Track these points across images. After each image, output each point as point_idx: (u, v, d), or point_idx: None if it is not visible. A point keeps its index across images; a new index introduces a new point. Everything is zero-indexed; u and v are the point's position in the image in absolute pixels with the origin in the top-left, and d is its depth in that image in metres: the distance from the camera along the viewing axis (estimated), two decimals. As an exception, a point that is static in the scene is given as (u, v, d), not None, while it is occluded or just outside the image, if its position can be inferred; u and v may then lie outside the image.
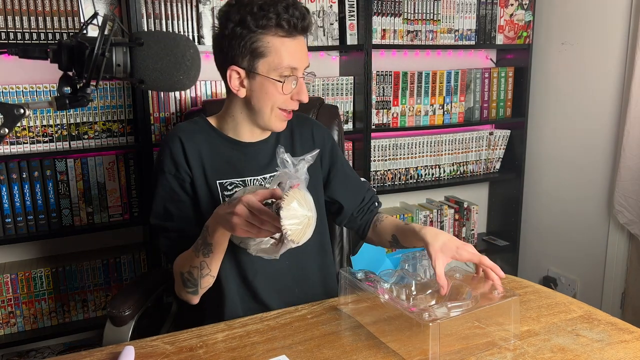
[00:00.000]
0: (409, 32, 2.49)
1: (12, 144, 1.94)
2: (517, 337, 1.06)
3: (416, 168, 2.66)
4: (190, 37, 2.07)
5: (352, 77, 2.43)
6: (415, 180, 2.67)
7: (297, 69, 1.19)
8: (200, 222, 1.15)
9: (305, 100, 1.23)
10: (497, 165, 2.87)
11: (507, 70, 2.77)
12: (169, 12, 2.06)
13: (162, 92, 2.09)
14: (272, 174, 1.29)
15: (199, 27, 2.10)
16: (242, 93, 1.22)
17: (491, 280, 1.11)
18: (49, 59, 0.82)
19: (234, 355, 1.02)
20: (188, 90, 2.15)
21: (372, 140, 2.48)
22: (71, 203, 2.04)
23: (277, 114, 1.24)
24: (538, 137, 2.81)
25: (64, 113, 1.98)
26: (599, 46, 2.47)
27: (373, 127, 2.48)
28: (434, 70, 2.61)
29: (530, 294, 1.27)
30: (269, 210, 0.98)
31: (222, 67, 1.22)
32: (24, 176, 1.96)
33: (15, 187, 1.95)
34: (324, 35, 2.32)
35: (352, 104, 2.45)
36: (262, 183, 1.29)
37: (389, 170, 2.59)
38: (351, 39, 2.36)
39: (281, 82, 1.18)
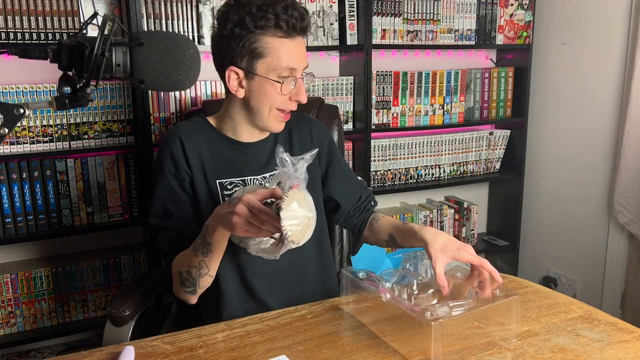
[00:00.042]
0: (409, 32, 2.49)
1: (12, 144, 1.94)
2: (517, 337, 1.06)
3: (416, 168, 2.66)
4: (190, 37, 2.07)
5: (352, 77, 2.43)
6: (415, 180, 2.67)
7: (295, 69, 1.19)
8: (200, 221, 1.15)
9: (304, 101, 1.23)
10: (497, 165, 2.87)
11: (507, 70, 2.77)
12: (169, 12, 2.06)
13: (162, 92, 2.09)
14: (272, 173, 1.30)
15: (199, 27, 2.10)
16: (241, 93, 1.22)
17: (485, 281, 1.10)
18: (49, 59, 0.82)
19: (234, 355, 1.02)
20: (188, 90, 2.15)
21: (372, 140, 2.48)
22: (71, 203, 2.04)
23: (275, 114, 1.24)
24: (538, 137, 2.81)
25: (64, 113, 1.98)
26: (599, 46, 2.47)
27: (373, 127, 2.48)
28: (434, 70, 2.61)
29: (530, 294, 1.27)
30: (269, 210, 0.98)
31: (221, 68, 1.22)
32: (24, 176, 1.96)
33: (15, 187, 1.95)
34: (324, 35, 2.32)
35: (352, 104, 2.45)
36: (262, 182, 1.29)
37: (389, 170, 2.59)
38: (351, 39, 2.36)
39: (280, 82, 1.18)
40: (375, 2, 2.38)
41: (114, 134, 2.06)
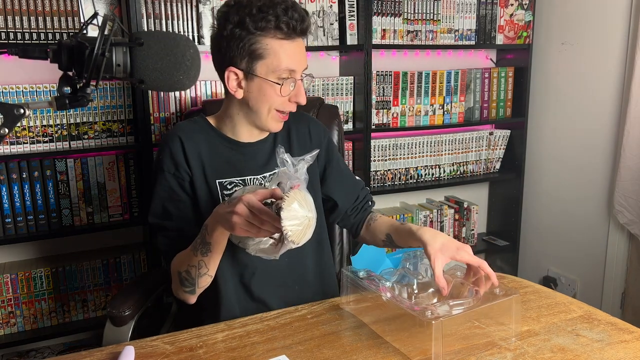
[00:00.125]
0: (409, 32, 2.49)
1: (12, 144, 1.94)
2: (517, 337, 1.06)
3: (416, 168, 2.66)
4: (190, 37, 2.07)
5: (352, 77, 2.43)
6: (415, 180, 2.67)
7: (295, 71, 1.19)
8: (200, 221, 1.15)
9: (303, 102, 1.23)
10: (497, 165, 2.87)
11: (507, 70, 2.77)
12: (169, 12, 2.06)
13: (162, 92, 2.09)
14: (272, 173, 1.30)
15: (199, 27, 2.10)
16: (240, 94, 1.22)
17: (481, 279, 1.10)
18: (49, 59, 0.82)
19: (234, 355, 1.02)
20: (188, 90, 2.15)
21: (372, 140, 2.48)
22: (71, 203, 2.04)
23: (274, 115, 1.24)
24: (538, 137, 2.81)
25: (64, 113, 1.98)
26: (599, 46, 2.47)
27: (373, 127, 2.48)
28: (434, 70, 2.61)
29: (530, 294, 1.27)
30: (269, 210, 0.98)
31: (220, 68, 1.22)
32: (24, 176, 1.96)
33: (15, 187, 1.95)
34: (324, 35, 2.32)
35: (352, 104, 2.45)
36: (262, 182, 1.29)
37: (389, 170, 2.59)
38: (351, 39, 2.36)
39: (279, 84, 1.18)
40: (375, 2, 2.38)
41: (114, 134, 2.06)
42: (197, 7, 2.09)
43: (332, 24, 2.34)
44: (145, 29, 2.00)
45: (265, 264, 1.20)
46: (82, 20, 1.95)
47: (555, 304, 1.22)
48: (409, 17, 2.48)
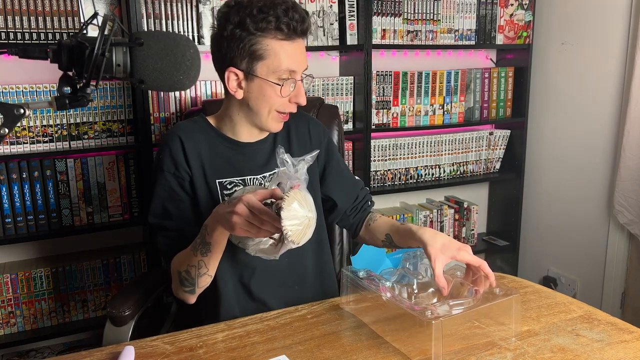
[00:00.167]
0: (409, 32, 2.49)
1: (12, 144, 1.94)
2: (517, 337, 1.06)
3: (416, 168, 2.66)
4: (190, 37, 2.07)
5: (352, 77, 2.43)
6: (415, 180, 2.67)
7: (295, 71, 1.19)
8: (200, 221, 1.15)
9: (303, 103, 1.23)
10: (497, 165, 2.87)
11: (507, 70, 2.77)
12: (169, 12, 2.06)
13: (162, 92, 2.09)
14: (272, 172, 1.30)
15: (199, 27, 2.10)
16: (240, 94, 1.22)
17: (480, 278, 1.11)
18: (49, 59, 0.82)
19: (234, 355, 1.02)
20: (188, 90, 2.15)
21: (372, 140, 2.48)
22: (71, 203, 2.04)
23: (274, 116, 1.24)
24: (538, 137, 2.81)
25: (64, 113, 1.98)
26: (599, 46, 2.47)
27: (373, 127, 2.48)
28: (434, 70, 2.61)
29: (530, 294, 1.27)
30: (269, 210, 0.99)
31: (220, 68, 1.22)
32: (24, 176, 1.96)
33: (15, 187, 1.95)
34: (324, 35, 2.32)
35: (352, 104, 2.45)
36: (262, 182, 1.29)
37: (389, 170, 2.59)
38: (351, 39, 2.36)
39: (280, 85, 1.18)
40: (375, 2, 2.38)
41: (114, 134, 2.06)
42: (197, 7, 2.09)
43: (332, 24, 2.34)
44: (145, 29, 2.00)
45: (265, 264, 1.20)
46: (82, 20, 1.95)
47: (555, 304, 1.22)
48: (409, 17, 2.48)
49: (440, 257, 1.09)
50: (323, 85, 2.38)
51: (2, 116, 0.80)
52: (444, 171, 2.73)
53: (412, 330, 1.03)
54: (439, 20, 2.54)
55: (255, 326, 1.13)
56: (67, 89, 0.83)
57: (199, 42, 2.11)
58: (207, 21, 2.10)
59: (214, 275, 1.19)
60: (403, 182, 2.65)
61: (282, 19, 1.14)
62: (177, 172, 1.25)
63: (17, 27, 1.87)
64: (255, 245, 1.10)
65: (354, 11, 2.36)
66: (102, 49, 0.80)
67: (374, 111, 2.48)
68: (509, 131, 2.84)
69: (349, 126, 2.46)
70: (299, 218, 0.96)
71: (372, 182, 2.54)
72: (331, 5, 2.32)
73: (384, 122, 2.53)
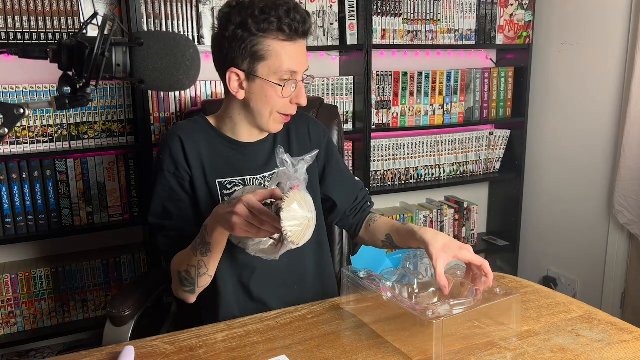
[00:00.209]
0: (409, 32, 2.49)
1: (12, 144, 1.94)
2: (517, 337, 1.06)
3: (416, 168, 2.66)
4: (190, 37, 2.06)
5: (352, 77, 2.43)
6: (415, 180, 2.67)
7: (296, 72, 1.20)
8: (199, 221, 1.15)
9: (304, 104, 1.23)
10: (497, 165, 2.87)
11: (507, 70, 2.77)
12: (169, 12, 2.06)
13: (162, 92, 2.09)
14: (272, 172, 1.30)
15: (199, 27, 2.10)
16: (241, 95, 1.22)
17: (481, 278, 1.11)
18: (49, 59, 0.82)
19: (234, 355, 1.02)
20: (188, 90, 2.15)
21: (372, 140, 2.48)
22: (71, 203, 2.04)
23: (276, 117, 1.24)
24: (538, 137, 2.81)
25: (64, 113, 1.98)
26: (599, 46, 2.47)
27: (373, 127, 2.48)
28: (434, 70, 2.61)
29: (530, 294, 1.27)
30: (269, 210, 0.98)
31: (221, 69, 1.22)
32: (24, 176, 1.96)
33: (15, 187, 1.95)
34: (324, 35, 2.32)
35: (352, 104, 2.45)
36: (262, 182, 1.29)
37: (389, 170, 2.59)
38: (351, 39, 2.36)
39: (281, 85, 1.19)
40: (375, 2, 2.38)
41: (114, 134, 2.06)
42: (197, 7, 2.09)
43: (332, 24, 2.34)
44: (145, 29, 2.00)
45: (265, 264, 1.20)
46: (82, 20, 1.95)
47: (555, 304, 1.22)
48: (409, 17, 2.48)
49: (442, 256, 1.09)
50: (323, 85, 2.38)
51: (2, 116, 0.80)
52: (444, 171, 2.73)
53: (413, 330, 1.03)
54: (439, 20, 2.54)
55: (255, 326, 1.13)
56: (67, 89, 0.83)
57: (199, 42, 2.11)
58: (207, 21, 2.10)
59: (214, 275, 1.19)
60: (403, 182, 2.65)
61: (284, 20, 1.14)
62: (177, 172, 1.25)
63: (17, 27, 1.87)
64: (256, 246, 1.10)
65: (354, 11, 2.36)
66: (102, 49, 0.80)
67: (374, 111, 2.48)
68: (509, 131, 2.84)
69: (349, 126, 2.46)
70: (299, 219, 0.96)
71: (372, 182, 2.54)
72: (331, 5, 2.32)
73: (384, 122, 2.53)
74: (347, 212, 1.43)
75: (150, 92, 2.05)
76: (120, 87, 2.04)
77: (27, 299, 2.03)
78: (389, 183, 2.61)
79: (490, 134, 2.81)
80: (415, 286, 1.12)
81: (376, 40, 2.40)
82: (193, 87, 2.16)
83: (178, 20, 2.07)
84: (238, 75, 1.20)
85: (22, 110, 0.80)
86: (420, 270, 1.18)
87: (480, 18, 2.63)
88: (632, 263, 2.48)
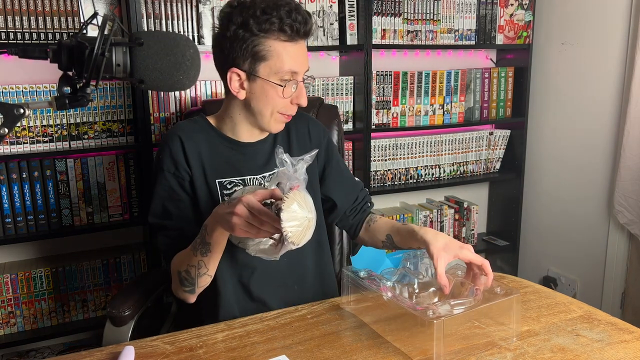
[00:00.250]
0: (409, 32, 2.49)
1: (12, 144, 1.94)
2: (517, 337, 1.06)
3: (416, 168, 2.66)
4: (190, 37, 2.06)
5: (352, 77, 2.43)
6: (415, 180, 2.67)
7: (297, 73, 1.20)
8: (200, 221, 1.15)
9: (304, 104, 1.24)
10: (497, 165, 2.87)
11: (507, 70, 2.77)
12: (169, 12, 2.06)
13: (162, 92, 2.09)
14: (272, 172, 1.30)
15: (199, 27, 2.10)
16: (242, 95, 1.22)
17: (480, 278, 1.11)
18: (48, 59, 0.82)
19: (234, 355, 1.02)
20: (188, 90, 2.15)
21: (372, 140, 2.48)
22: (71, 203, 2.04)
23: (277, 117, 1.24)
24: (538, 137, 2.81)
25: (64, 113, 1.98)
26: (599, 46, 2.47)
27: (373, 127, 2.48)
28: (434, 70, 2.61)
29: (530, 294, 1.27)
30: (269, 211, 0.98)
31: (222, 68, 1.22)
32: (24, 176, 1.96)
33: (15, 187, 1.95)
34: (324, 35, 2.32)
35: (352, 104, 2.45)
36: (262, 182, 1.29)
37: (389, 170, 2.59)
38: (351, 39, 2.36)
39: (282, 86, 1.19)
40: (375, 2, 2.38)
41: (114, 134, 2.06)
42: (197, 7, 2.09)
43: (332, 24, 2.34)
44: (145, 29, 2.00)
45: (265, 264, 1.20)
46: (82, 20, 1.95)
47: (555, 304, 1.22)
48: (409, 17, 2.48)
49: (443, 255, 1.09)
50: (323, 85, 2.38)
51: (2, 116, 0.80)
52: (444, 171, 2.73)
53: (413, 330, 1.03)
54: (439, 20, 2.54)
55: (255, 326, 1.13)
56: (67, 89, 0.83)
57: (199, 42, 2.11)
58: (207, 21, 2.10)
59: (214, 275, 1.19)
60: (403, 182, 2.65)
61: (286, 20, 1.14)
62: (177, 172, 1.25)
63: (17, 27, 1.87)
64: (256, 246, 1.10)
65: (354, 11, 2.36)
66: (102, 49, 0.80)
67: (374, 111, 2.48)
68: (509, 131, 2.84)
69: (349, 126, 2.46)
70: (299, 219, 0.96)
71: (372, 182, 2.54)
72: (331, 5, 2.32)
73: (384, 122, 2.53)
74: (347, 213, 1.43)
75: (150, 92, 2.05)
76: (120, 87, 2.04)
77: (27, 299, 2.03)
78: (389, 183, 2.61)
79: (490, 134, 2.81)
80: (415, 286, 1.12)
81: (376, 40, 2.40)
82: (193, 87, 2.16)
83: (178, 20, 2.07)
84: (239, 75, 1.20)
85: (22, 110, 0.80)
86: (420, 270, 1.18)
87: (480, 18, 2.63)
88: (632, 263, 2.48)
